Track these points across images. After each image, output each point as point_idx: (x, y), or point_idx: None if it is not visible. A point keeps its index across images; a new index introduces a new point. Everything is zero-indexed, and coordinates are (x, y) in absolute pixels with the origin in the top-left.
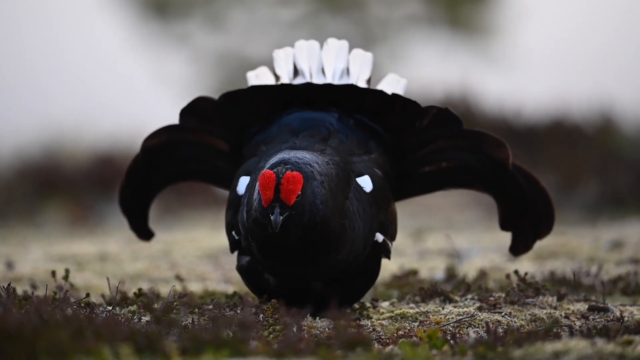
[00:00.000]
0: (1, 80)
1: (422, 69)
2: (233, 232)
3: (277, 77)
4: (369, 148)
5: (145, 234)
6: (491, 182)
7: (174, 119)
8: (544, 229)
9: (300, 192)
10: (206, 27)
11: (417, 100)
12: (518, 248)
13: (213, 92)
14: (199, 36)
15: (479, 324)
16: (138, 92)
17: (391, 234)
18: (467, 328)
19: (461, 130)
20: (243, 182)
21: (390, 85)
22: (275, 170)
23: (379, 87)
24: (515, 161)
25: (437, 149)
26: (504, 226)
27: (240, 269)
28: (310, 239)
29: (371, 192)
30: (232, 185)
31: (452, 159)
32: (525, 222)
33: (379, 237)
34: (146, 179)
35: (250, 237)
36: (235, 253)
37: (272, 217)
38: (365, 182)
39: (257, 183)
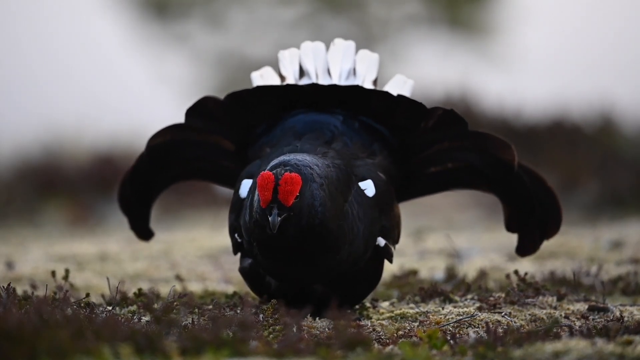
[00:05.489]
0: (1, 81)
1: (422, 68)
2: (236, 235)
3: (282, 78)
4: (373, 150)
5: (145, 233)
6: (497, 183)
7: (175, 119)
8: (551, 229)
9: (298, 194)
10: (206, 27)
11: (417, 100)
12: (525, 248)
13: (213, 92)
14: (199, 36)
15: (479, 324)
16: (138, 92)
17: (394, 238)
18: (467, 328)
19: (466, 131)
20: (245, 185)
21: (397, 86)
22: (274, 171)
23: (386, 88)
24: (521, 162)
25: (443, 150)
26: (510, 227)
27: (242, 270)
28: (309, 241)
29: (374, 196)
30: (235, 187)
31: (457, 160)
32: (532, 223)
33: (381, 241)
34: (150, 177)
35: (251, 239)
36: (238, 254)
37: (270, 218)
38: (368, 186)
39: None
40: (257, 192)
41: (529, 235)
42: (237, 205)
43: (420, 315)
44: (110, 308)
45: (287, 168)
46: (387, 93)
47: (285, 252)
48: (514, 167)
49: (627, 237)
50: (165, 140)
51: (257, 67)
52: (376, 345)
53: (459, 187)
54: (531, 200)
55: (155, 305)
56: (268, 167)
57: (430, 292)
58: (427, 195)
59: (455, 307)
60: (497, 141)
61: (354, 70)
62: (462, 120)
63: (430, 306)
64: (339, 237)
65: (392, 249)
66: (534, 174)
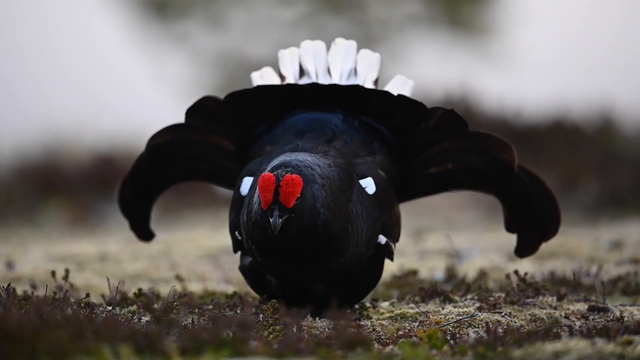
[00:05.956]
0: (1, 81)
1: (422, 68)
2: (236, 232)
3: (282, 78)
4: (373, 149)
5: (146, 235)
6: (497, 183)
7: (175, 119)
8: (550, 231)
9: (299, 195)
10: (206, 27)
11: (417, 99)
12: (524, 250)
13: (213, 92)
14: (199, 36)
15: (479, 324)
16: (138, 92)
17: (394, 236)
18: (467, 328)
19: (467, 132)
20: (246, 182)
21: (398, 86)
22: (275, 172)
23: (386, 88)
24: (521, 163)
25: (443, 151)
26: (509, 228)
27: (242, 269)
28: (311, 243)
29: (374, 194)
30: (236, 185)
31: (457, 161)
32: (531, 224)
33: (382, 239)
34: (151, 178)
35: (250, 240)
36: (238, 253)
37: (271, 220)
38: (368, 184)
39: (257, 185)
40: (257, 193)
41: (527, 237)
42: (237, 203)
43: (420, 315)
44: (110, 308)
45: (288, 169)
46: (387, 93)
47: (286, 253)
48: (514, 168)
49: (627, 237)
50: (165, 140)
51: (257, 67)
52: (376, 345)
53: (459, 188)
54: (531, 202)
55: (155, 305)
56: (269, 168)
57: (430, 292)
58: (427, 196)
59: (455, 307)
60: (497, 141)
61: (355, 70)
62: (463, 120)
63: (430, 306)
64: (344, 239)
65: (393, 246)
66: (534, 176)
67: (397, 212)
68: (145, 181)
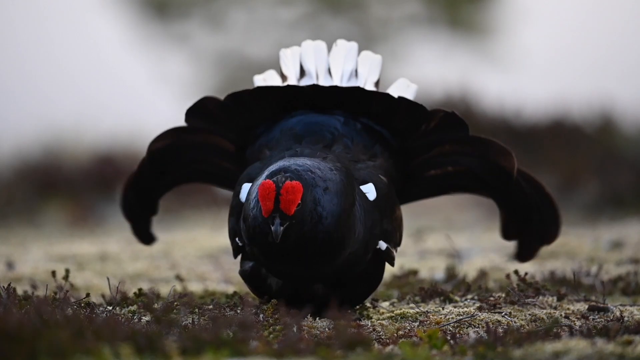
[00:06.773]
0: (1, 81)
1: (422, 69)
2: (237, 239)
3: (284, 77)
4: (374, 152)
5: (147, 238)
6: (495, 189)
7: (175, 119)
8: (550, 235)
9: (300, 202)
10: (206, 27)
11: (418, 100)
12: (523, 254)
13: (213, 92)
14: (199, 36)
15: (479, 324)
16: (138, 92)
17: (395, 241)
18: (467, 328)
19: (467, 135)
20: (245, 189)
21: (400, 89)
22: (274, 179)
23: (388, 91)
24: (520, 168)
25: (443, 153)
26: (506, 236)
27: (243, 274)
28: (311, 247)
29: (375, 200)
30: (234, 191)
31: (457, 164)
32: (530, 229)
33: (382, 245)
34: (152, 182)
35: (251, 244)
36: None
37: (272, 228)
38: (369, 190)
39: (256, 192)
40: (256, 199)
41: (527, 242)
42: (236, 209)
43: (420, 315)
44: (110, 308)
45: (288, 175)
46: (388, 95)
47: (287, 257)
48: (513, 175)
49: (627, 237)
50: (165, 145)
51: (257, 67)
52: (376, 345)
53: (459, 191)
54: (529, 209)
55: (156, 305)
56: (268, 174)
57: (431, 292)
58: (427, 198)
59: (455, 307)
60: (498, 148)
61: (356, 71)
62: (463, 123)
63: (430, 306)
64: (343, 241)
65: (394, 252)
66: (533, 180)
67: (399, 216)
68: (147, 185)
